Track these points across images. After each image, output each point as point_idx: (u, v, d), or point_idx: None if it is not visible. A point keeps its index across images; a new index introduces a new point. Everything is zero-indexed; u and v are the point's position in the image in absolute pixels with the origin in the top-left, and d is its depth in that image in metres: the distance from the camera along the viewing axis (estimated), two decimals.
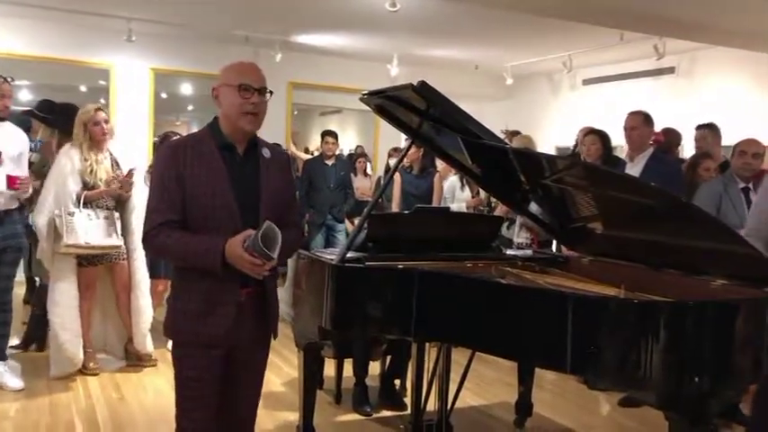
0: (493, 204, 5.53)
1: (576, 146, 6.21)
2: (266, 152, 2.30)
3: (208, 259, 2.10)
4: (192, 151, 2.18)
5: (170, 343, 4.63)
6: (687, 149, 6.17)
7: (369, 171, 8.14)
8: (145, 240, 2.21)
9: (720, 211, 3.94)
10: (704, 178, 4.61)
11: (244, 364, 2.30)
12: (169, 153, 2.22)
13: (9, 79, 4.02)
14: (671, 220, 2.60)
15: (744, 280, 2.53)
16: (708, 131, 5.24)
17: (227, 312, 2.18)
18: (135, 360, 4.60)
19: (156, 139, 5.79)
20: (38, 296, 4.82)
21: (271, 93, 2.24)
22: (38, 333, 4.80)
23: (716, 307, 2.34)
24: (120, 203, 4.40)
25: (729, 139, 5.30)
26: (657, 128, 5.08)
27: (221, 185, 2.16)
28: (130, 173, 4.34)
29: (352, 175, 8.12)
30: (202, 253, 2.11)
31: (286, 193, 2.35)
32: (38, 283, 5.01)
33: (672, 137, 5.48)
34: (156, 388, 4.25)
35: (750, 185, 4.02)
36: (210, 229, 2.13)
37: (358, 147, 10.30)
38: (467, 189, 5.78)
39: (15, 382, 4.11)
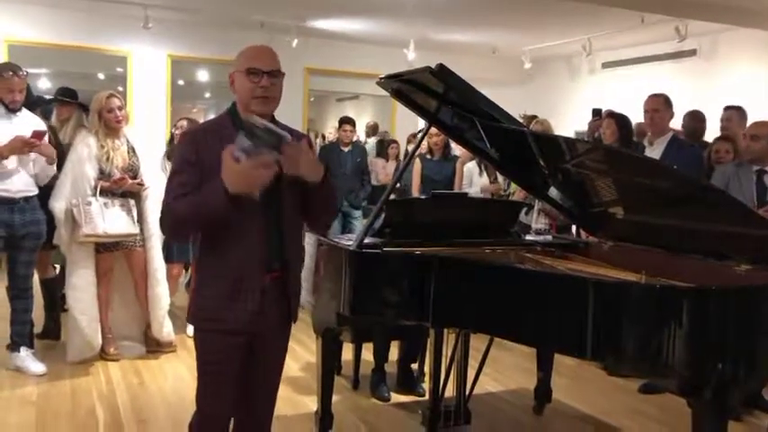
0: (511, 191, 5.49)
1: (590, 132, 6.15)
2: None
3: (215, 200, 2.00)
4: (210, 136, 2.18)
5: (189, 328, 4.74)
6: (709, 133, 6.08)
7: (401, 157, 8.08)
8: (161, 218, 2.17)
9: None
10: (719, 161, 4.58)
11: (265, 350, 2.30)
12: (187, 139, 2.24)
13: (22, 73, 4.03)
14: (694, 204, 2.56)
15: None
16: (734, 113, 5.17)
17: (251, 298, 2.18)
18: (155, 346, 4.64)
19: (173, 130, 5.82)
20: (52, 286, 4.88)
21: (283, 74, 2.21)
22: (51, 323, 4.84)
23: (740, 292, 2.30)
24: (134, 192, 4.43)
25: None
26: (679, 112, 5.01)
27: None
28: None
29: (383, 159, 8.10)
30: (207, 198, 2.03)
31: None
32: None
33: (698, 123, 5.40)
34: (176, 373, 4.28)
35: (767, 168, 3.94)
36: (230, 212, 2.08)
37: (379, 129, 10.19)
38: (485, 174, 5.73)
39: (38, 367, 4.16)
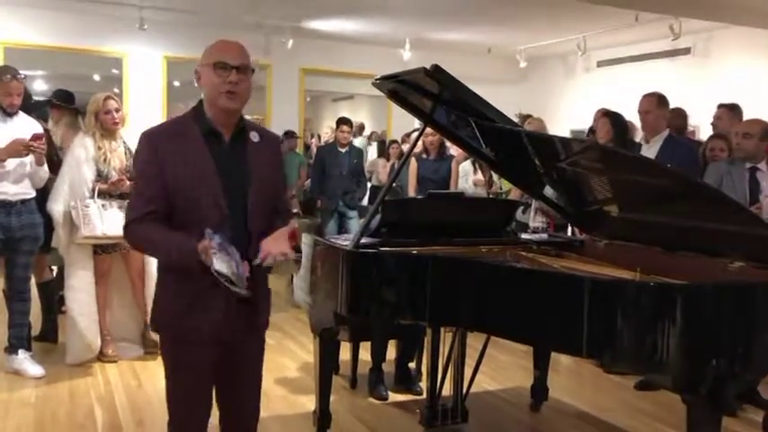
0: (506, 189, 5.50)
1: (591, 129, 6.17)
2: (255, 136, 2.17)
3: (181, 258, 2.01)
4: (172, 139, 2.08)
5: None
6: (704, 130, 6.11)
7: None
8: (125, 232, 2.13)
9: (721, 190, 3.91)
10: (713, 159, 4.59)
11: (238, 357, 2.21)
12: (147, 142, 2.10)
13: (21, 77, 4.03)
14: (687, 201, 2.57)
15: (763, 262, 2.50)
16: (725, 111, 5.17)
17: (216, 306, 2.08)
18: (153, 347, 4.63)
19: None
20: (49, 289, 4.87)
21: (252, 71, 2.13)
22: (49, 326, 4.84)
23: (734, 289, 2.32)
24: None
25: None
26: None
27: (205, 174, 2.04)
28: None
29: (384, 160, 8.12)
30: (174, 253, 2.04)
31: (275, 178, 2.25)
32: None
33: (679, 119, 5.40)
34: None
35: (761, 166, 3.96)
36: (196, 220, 2.03)
37: (373, 132, 10.27)
38: (479, 173, 5.76)
39: (36, 370, 4.16)
